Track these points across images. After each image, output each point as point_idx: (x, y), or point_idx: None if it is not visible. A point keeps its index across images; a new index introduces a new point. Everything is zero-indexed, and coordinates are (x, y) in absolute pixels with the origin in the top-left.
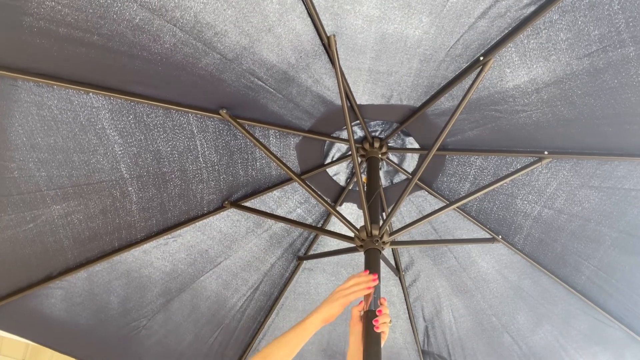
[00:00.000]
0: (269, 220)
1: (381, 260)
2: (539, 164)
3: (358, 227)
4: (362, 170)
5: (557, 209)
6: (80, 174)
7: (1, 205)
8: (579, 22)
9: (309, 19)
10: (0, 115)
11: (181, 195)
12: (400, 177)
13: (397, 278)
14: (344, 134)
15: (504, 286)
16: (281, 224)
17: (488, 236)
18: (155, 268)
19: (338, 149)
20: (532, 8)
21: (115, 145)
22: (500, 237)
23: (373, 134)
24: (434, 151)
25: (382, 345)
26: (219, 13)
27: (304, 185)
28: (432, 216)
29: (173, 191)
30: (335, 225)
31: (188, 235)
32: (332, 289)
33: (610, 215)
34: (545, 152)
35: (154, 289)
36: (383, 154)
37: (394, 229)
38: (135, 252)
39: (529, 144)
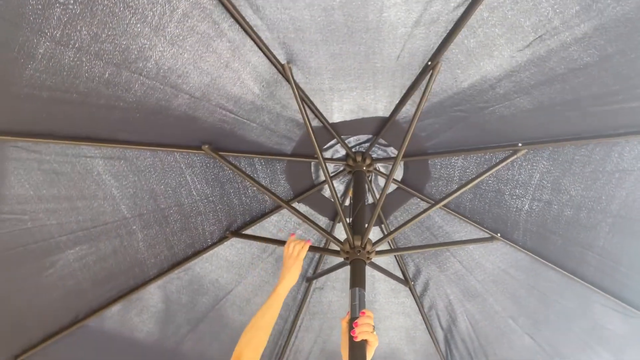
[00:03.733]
0: (273, 244)
1: (385, 273)
2: (515, 156)
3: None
4: (350, 186)
5: (545, 200)
6: (86, 218)
7: (21, 255)
8: (509, 16)
9: (260, 51)
10: (8, 174)
11: (183, 229)
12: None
13: (408, 289)
14: (327, 153)
15: (514, 286)
16: None
17: (487, 236)
18: (172, 301)
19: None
20: (461, 10)
21: (113, 189)
22: (499, 235)
23: (358, 149)
24: (401, 154)
25: (371, 353)
26: (177, 57)
27: (291, 209)
28: (416, 219)
29: (175, 226)
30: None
31: (197, 267)
32: (344, 305)
33: (599, 200)
34: (520, 144)
35: (174, 322)
36: (369, 166)
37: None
38: (151, 288)
39: (502, 138)
